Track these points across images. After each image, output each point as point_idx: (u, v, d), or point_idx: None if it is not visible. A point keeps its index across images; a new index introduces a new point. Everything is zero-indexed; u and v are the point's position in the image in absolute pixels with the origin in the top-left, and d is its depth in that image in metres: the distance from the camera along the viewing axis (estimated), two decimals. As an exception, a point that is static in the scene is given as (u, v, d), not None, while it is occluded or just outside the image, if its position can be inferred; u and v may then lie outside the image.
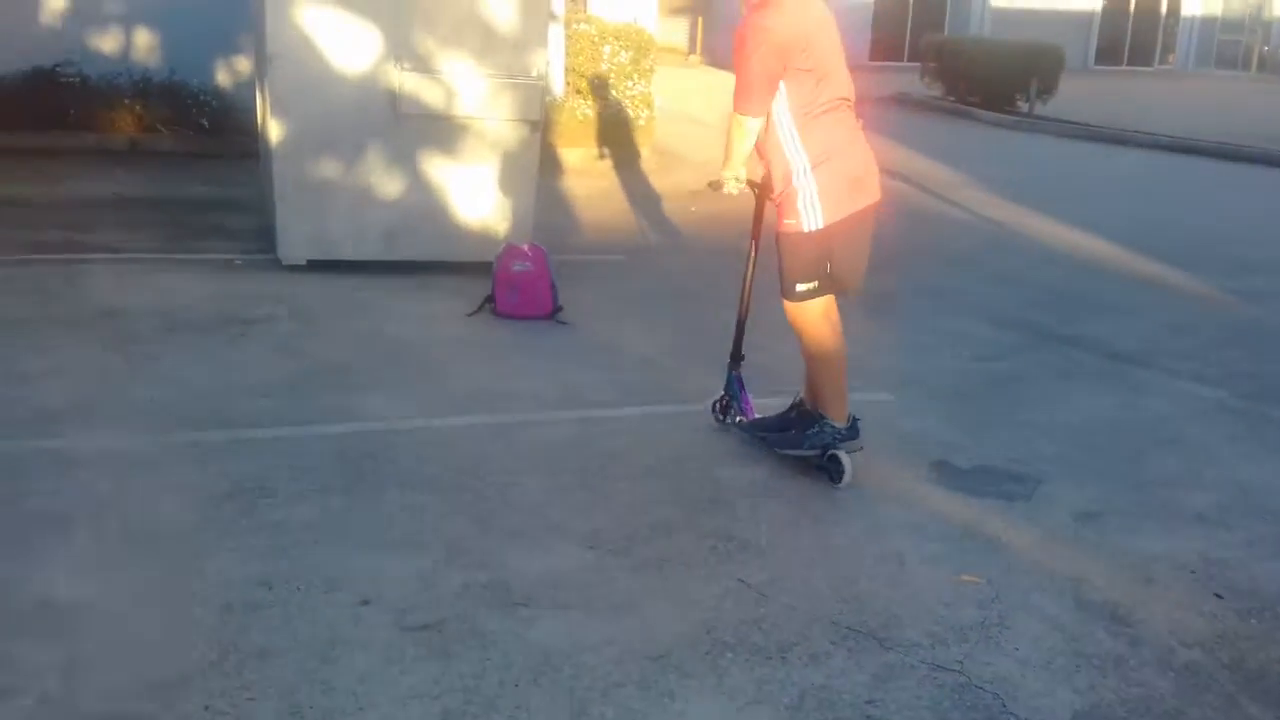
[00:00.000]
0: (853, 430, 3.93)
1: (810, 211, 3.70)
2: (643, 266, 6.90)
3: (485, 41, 6.04)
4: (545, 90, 6.51)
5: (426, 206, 6.21)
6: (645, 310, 5.77)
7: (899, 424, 4.56)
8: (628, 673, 2.78)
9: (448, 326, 5.47)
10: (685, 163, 10.73)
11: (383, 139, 6.04)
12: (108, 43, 9.37)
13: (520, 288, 5.69)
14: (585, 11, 12.85)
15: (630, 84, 10.97)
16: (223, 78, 9.60)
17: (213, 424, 4.08)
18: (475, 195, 6.28)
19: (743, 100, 3.71)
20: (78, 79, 8.98)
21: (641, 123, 10.86)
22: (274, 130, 5.97)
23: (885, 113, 16.19)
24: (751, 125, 3.73)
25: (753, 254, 4.07)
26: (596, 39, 11.02)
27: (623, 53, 10.97)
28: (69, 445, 3.80)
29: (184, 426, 4.04)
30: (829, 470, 3.92)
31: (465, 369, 4.88)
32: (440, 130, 6.12)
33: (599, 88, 10.90)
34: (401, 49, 5.92)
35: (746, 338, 4.23)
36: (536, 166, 6.43)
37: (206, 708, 2.54)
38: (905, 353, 5.58)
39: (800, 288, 3.77)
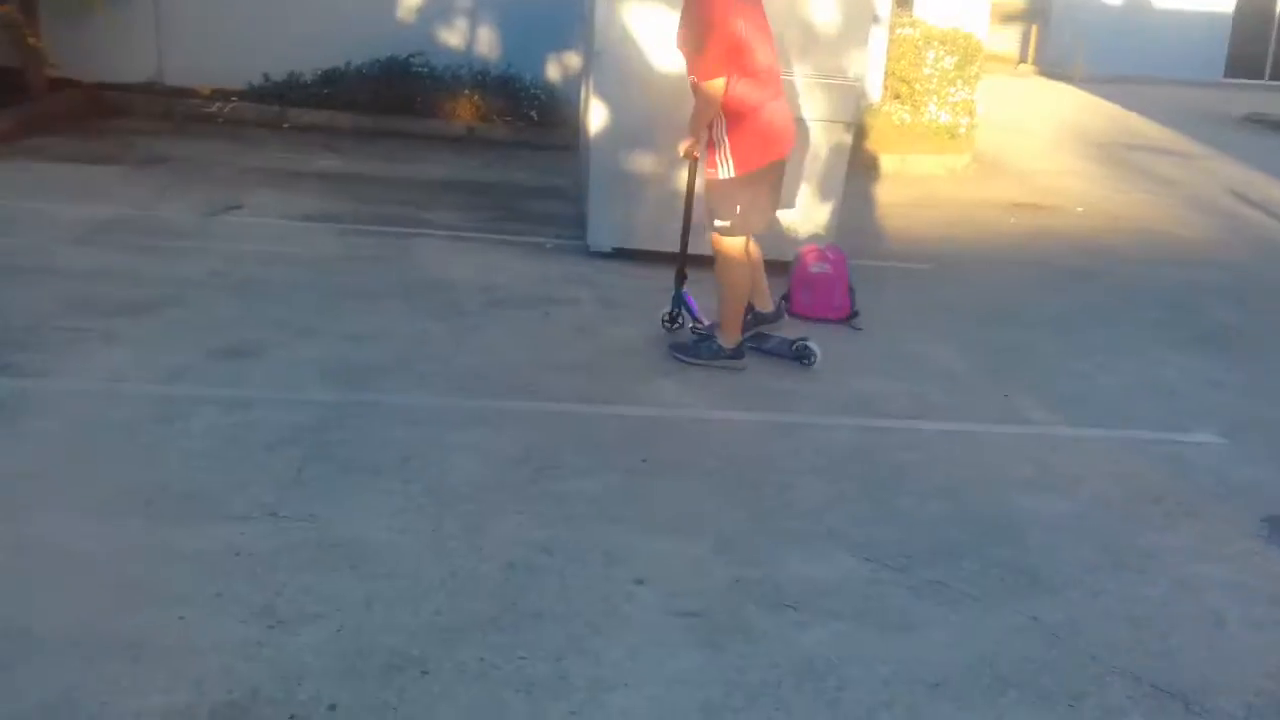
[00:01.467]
0: (737, 352, 4.71)
1: (725, 164, 4.48)
2: (951, 277, 6.60)
3: (804, 41, 5.97)
4: (861, 93, 6.36)
5: (732, 203, 6.23)
6: (948, 323, 5.51)
7: (1229, 471, 4.09)
8: (897, 694, 2.65)
9: (742, 323, 5.46)
10: (1006, 172, 10.21)
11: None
12: (453, 37, 10.10)
13: (816, 289, 5.60)
14: (911, 15, 12.51)
15: (953, 90, 10.57)
16: (552, 73, 10.10)
17: (517, 394, 4.28)
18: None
19: (710, 68, 4.33)
20: (426, 70, 9.74)
21: (962, 130, 10.45)
22: (593, 122, 6.20)
23: (1234, 134, 14.72)
24: (720, 86, 4.34)
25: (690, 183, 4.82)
26: (920, 43, 10.69)
27: (947, 58, 10.57)
28: (388, 400, 4.10)
29: (492, 394, 4.26)
30: (800, 358, 4.77)
31: (754, 365, 4.85)
32: (753, 128, 6.12)
33: (919, 93, 10.57)
34: (722, 46, 5.97)
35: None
36: (845, 169, 6.29)
37: (481, 659, 2.65)
38: (1244, 393, 5.01)
39: (718, 223, 4.58)
